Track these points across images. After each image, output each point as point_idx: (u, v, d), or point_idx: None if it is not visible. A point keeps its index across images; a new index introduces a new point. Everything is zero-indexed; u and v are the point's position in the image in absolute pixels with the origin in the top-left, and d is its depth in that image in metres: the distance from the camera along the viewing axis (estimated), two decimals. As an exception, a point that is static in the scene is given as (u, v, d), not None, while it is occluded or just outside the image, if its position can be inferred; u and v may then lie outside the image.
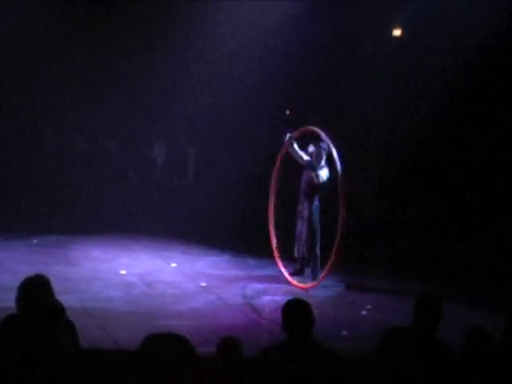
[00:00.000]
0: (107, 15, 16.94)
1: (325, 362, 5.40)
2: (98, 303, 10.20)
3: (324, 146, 11.91)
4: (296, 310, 5.58)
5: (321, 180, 11.90)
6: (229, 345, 5.88)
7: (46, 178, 16.29)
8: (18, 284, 5.95)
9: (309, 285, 11.83)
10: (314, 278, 12.01)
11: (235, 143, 17.34)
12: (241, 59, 16.51)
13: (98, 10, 16.88)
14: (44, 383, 5.41)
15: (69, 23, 16.77)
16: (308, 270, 12.30)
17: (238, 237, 14.74)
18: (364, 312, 10.74)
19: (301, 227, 12.19)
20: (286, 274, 12.15)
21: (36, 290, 5.98)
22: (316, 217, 12.13)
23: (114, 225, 14.82)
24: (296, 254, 12.32)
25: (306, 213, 12.13)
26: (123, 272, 12.04)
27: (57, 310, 5.98)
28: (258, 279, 12.30)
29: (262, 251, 13.64)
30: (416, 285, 11.91)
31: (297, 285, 11.89)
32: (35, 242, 13.74)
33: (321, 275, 11.77)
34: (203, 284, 11.68)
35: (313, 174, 11.95)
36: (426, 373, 5.69)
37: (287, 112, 18.58)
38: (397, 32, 16.80)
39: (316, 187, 12.05)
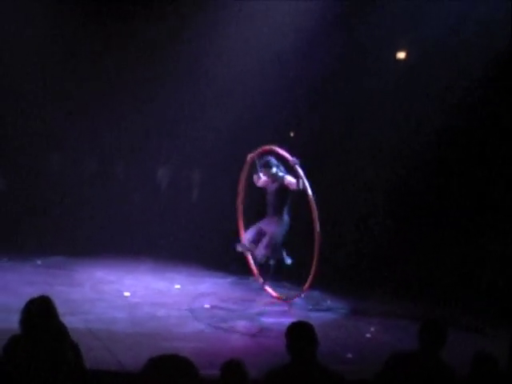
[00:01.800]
0: (113, 39, 16.96)
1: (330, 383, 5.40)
2: (103, 324, 10.19)
3: (268, 159, 12.03)
4: (300, 332, 5.58)
5: (295, 184, 11.72)
6: (232, 367, 5.86)
7: (51, 200, 16.30)
8: (22, 305, 5.97)
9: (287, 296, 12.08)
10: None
11: (240, 165, 17.34)
12: (247, 81, 16.50)
13: (104, 32, 16.88)
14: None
15: (79, 44, 16.74)
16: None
17: (241, 259, 14.73)
18: (368, 335, 10.72)
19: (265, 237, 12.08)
20: (268, 289, 12.31)
21: (40, 311, 5.99)
22: (282, 230, 12.04)
23: (118, 246, 14.80)
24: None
25: (273, 226, 12.02)
26: (127, 294, 12.03)
27: (61, 332, 5.99)
28: (262, 301, 12.29)
29: (265, 272, 13.66)
30: (420, 309, 11.90)
31: (277, 296, 12.04)
32: (39, 263, 13.74)
33: (304, 288, 11.86)
34: (207, 306, 11.67)
35: (285, 182, 11.84)
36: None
37: (291, 134, 18.60)
38: (401, 55, 16.82)
39: (285, 197, 11.99)
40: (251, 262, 12.76)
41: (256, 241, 12.10)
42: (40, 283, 11.64)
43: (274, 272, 12.35)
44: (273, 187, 12.10)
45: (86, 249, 14.68)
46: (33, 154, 16.86)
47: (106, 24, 16.72)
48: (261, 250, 11.97)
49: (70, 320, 6.32)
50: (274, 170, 12.01)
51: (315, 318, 10.83)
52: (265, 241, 11.96)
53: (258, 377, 5.66)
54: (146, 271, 13.81)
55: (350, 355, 9.43)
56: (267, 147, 12.24)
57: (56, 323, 6.03)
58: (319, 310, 11.88)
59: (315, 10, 15.64)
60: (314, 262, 11.58)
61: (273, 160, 12.07)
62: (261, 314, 11.47)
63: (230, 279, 13.80)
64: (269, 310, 11.72)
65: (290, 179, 11.82)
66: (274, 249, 11.97)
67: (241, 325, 10.77)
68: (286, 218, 12.08)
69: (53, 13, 15.98)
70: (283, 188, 11.95)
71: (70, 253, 14.53)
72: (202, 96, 17.14)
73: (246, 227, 12.63)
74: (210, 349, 8.92)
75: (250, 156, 12.47)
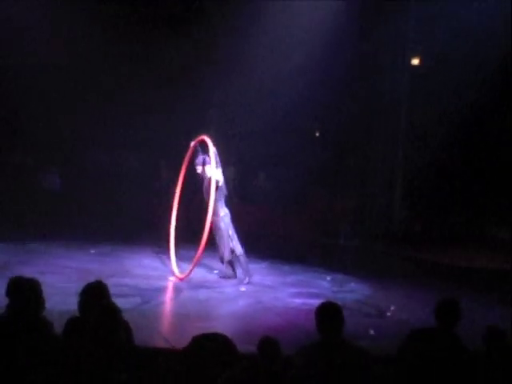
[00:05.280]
0: (144, 45, 16.85)
1: (355, 359, 5.37)
2: (150, 306, 10.21)
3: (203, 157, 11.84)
4: (328, 312, 5.56)
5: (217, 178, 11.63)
6: (267, 344, 5.85)
7: (103, 193, 16.41)
8: (78, 289, 6.01)
9: (183, 275, 11.78)
10: (247, 277, 11.94)
11: (270, 163, 17.32)
12: (276, 85, 16.41)
13: (132, 38, 16.75)
14: (103, 378, 5.42)
15: (111, 51, 16.66)
16: (239, 271, 12.21)
17: (275, 246, 14.74)
18: (389, 313, 10.66)
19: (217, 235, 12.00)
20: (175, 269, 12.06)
21: (95, 294, 6.03)
22: (227, 223, 11.91)
23: (163, 236, 14.82)
24: (221, 261, 12.24)
25: (217, 220, 11.86)
26: (172, 278, 12.05)
27: (114, 312, 6.01)
28: (293, 284, 12.27)
29: (295, 259, 13.65)
30: (436, 289, 11.83)
31: (178, 276, 11.86)
32: (93, 251, 13.80)
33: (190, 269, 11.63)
34: (243, 289, 11.66)
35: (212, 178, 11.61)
36: (448, 369, 5.65)
37: (317, 134, 18.55)
38: (415, 61, 16.67)
39: (220, 191, 11.80)
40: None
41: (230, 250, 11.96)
42: (94, 270, 11.68)
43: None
44: (208, 183, 11.87)
45: (135, 238, 14.73)
46: (85, 154, 16.99)
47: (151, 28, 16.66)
48: (225, 252, 11.92)
49: (121, 302, 6.32)
50: (207, 168, 11.81)
51: (340, 298, 10.75)
52: (222, 243, 11.90)
53: (291, 353, 5.64)
54: (188, 258, 13.80)
55: (372, 332, 9.38)
56: (202, 137, 11.92)
57: (109, 305, 6.06)
58: (344, 292, 11.82)
59: (334, 22, 15.56)
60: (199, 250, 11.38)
61: (207, 159, 11.83)
62: (292, 295, 11.44)
63: (263, 264, 13.77)
64: (299, 291, 11.66)
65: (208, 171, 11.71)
66: (232, 242, 11.89)
67: (274, 305, 10.75)
68: (225, 210, 11.93)
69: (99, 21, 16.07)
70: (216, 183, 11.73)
71: (121, 242, 14.60)
72: (236, 97, 17.08)
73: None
74: (246, 327, 8.89)
75: (192, 144, 12.14)
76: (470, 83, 15.16)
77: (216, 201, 11.74)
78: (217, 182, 11.69)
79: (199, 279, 12.16)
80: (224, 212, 11.96)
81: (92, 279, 6.24)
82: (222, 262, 12.22)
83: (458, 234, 16.06)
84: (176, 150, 17.21)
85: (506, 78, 15.12)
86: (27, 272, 8.07)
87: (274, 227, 16.22)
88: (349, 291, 11.91)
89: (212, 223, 11.76)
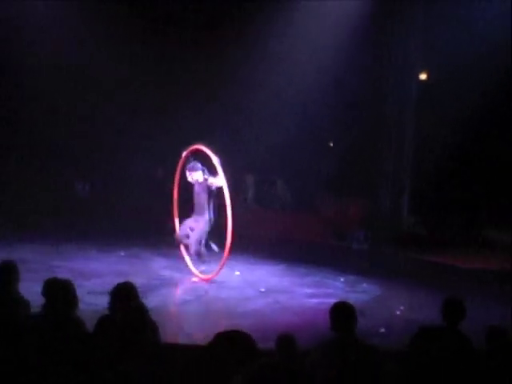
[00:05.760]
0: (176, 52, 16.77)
1: (367, 355, 5.35)
2: (176, 305, 10.24)
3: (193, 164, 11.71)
4: (342, 311, 5.54)
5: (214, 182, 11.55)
6: (285, 341, 5.83)
7: (132, 202, 16.47)
8: (109, 290, 6.02)
9: (209, 276, 11.81)
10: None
11: (287, 171, 17.30)
12: (294, 101, 16.34)
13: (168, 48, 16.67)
14: (130, 373, 5.42)
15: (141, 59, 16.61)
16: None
17: (291, 249, 14.71)
18: (398, 312, 10.61)
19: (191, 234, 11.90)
20: (193, 270, 12.09)
21: (124, 294, 6.03)
22: (206, 227, 11.79)
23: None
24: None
25: (200, 224, 11.79)
26: (195, 279, 12.05)
27: (141, 311, 6.01)
28: (308, 285, 12.22)
29: (310, 261, 13.62)
30: (442, 289, 11.76)
31: (202, 278, 11.87)
32: (123, 254, 13.82)
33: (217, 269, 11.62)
34: (262, 289, 11.64)
35: (208, 182, 11.57)
36: (455, 364, 5.62)
37: (331, 144, 18.52)
38: (423, 76, 16.62)
39: (209, 197, 11.72)
40: (183, 250, 12.32)
41: (187, 235, 11.90)
42: (124, 271, 11.69)
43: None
44: (199, 188, 11.79)
45: (160, 243, 14.70)
46: (112, 165, 17.04)
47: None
48: (192, 246, 11.80)
49: (148, 301, 6.34)
50: (199, 173, 11.70)
51: (353, 298, 10.67)
52: (193, 237, 11.79)
53: (307, 349, 5.62)
54: (210, 260, 13.76)
55: (382, 330, 9.33)
56: (196, 146, 11.82)
57: (137, 304, 6.06)
58: (356, 292, 11.78)
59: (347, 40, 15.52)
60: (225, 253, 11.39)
61: (198, 165, 11.74)
62: (308, 295, 11.40)
63: (280, 266, 13.73)
64: (314, 292, 11.60)
65: (212, 180, 11.60)
66: (201, 243, 11.82)
67: (291, 305, 10.73)
68: (210, 216, 11.81)
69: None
70: (207, 189, 11.68)
71: (149, 245, 14.61)
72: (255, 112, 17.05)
73: (180, 218, 12.33)
74: (265, 325, 8.86)
75: (183, 154, 12.03)
76: (472, 96, 15.12)
77: (208, 204, 11.72)
78: (210, 187, 11.64)
79: (221, 280, 12.15)
80: (209, 217, 11.85)
81: (121, 280, 6.25)
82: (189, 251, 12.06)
83: (461, 237, 15.98)
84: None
85: (506, 89, 15.07)
86: (61, 273, 8.10)
87: (290, 231, 16.17)
88: (361, 291, 11.86)
89: (194, 220, 11.82)
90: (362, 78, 15.89)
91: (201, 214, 11.83)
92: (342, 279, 12.67)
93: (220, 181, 11.48)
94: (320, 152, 17.28)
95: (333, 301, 5.86)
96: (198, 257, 11.94)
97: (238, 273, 12.85)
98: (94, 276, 11.21)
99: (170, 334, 7.61)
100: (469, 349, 5.86)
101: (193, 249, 11.86)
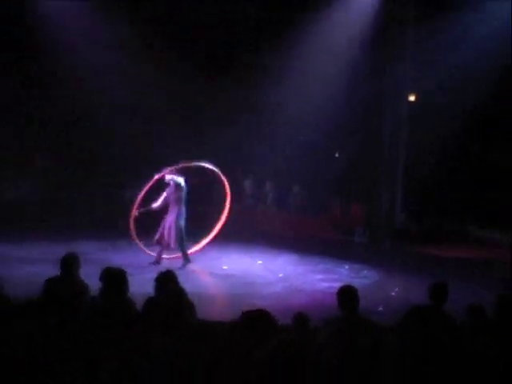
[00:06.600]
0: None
1: (369, 329, 5.36)
2: (208, 289, 10.28)
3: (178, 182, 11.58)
4: (347, 293, 5.55)
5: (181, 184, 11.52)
6: (300, 319, 5.85)
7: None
8: (154, 276, 6.07)
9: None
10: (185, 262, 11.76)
11: (301, 178, 17.21)
12: (307, 115, 16.08)
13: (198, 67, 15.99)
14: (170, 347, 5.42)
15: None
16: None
17: (303, 243, 14.70)
18: (393, 293, 10.58)
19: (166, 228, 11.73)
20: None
21: (166, 280, 6.08)
22: (181, 222, 11.65)
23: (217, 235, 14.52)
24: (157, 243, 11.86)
25: (172, 217, 11.63)
26: (225, 267, 12.07)
27: (180, 294, 6.05)
28: (319, 271, 12.19)
29: (320, 252, 13.61)
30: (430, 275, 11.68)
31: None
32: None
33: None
34: (280, 275, 11.64)
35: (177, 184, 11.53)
36: (438, 338, 5.61)
37: (336, 154, 18.40)
38: (411, 97, 16.45)
39: (180, 194, 11.61)
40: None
41: (162, 235, 11.70)
42: (163, 262, 11.73)
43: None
44: (172, 190, 11.69)
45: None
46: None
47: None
48: (172, 243, 11.67)
49: (186, 286, 6.38)
50: (181, 179, 11.64)
51: (356, 282, 10.57)
52: (172, 234, 11.62)
53: (318, 325, 5.63)
54: (236, 252, 13.76)
55: (380, 308, 9.32)
56: (168, 171, 11.62)
57: (176, 289, 6.10)
58: (359, 278, 11.74)
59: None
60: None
61: (179, 180, 11.59)
62: (319, 280, 11.38)
63: (295, 257, 13.68)
64: (325, 277, 11.58)
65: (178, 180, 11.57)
66: (181, 236, 11.69)
67: (305, 288, 10.73)
68: (183, 209, 11.70)
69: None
70: (179, 189, 11.62)
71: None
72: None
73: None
74: (283, 306, 8.86)
75: (156, 176, 11.67)
76: (456, 112, 15.06)
77: (179, 200, 11.60)
78: (179, 185, 11.55)
79: (246, 268, 12.17)
80: (180, 211, 11.68)
81: (163, 269, 6.30)
82: (159, 243, 11.83)
83: (446, 232, 15.88)
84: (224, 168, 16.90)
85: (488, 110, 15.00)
86: (116, 262, 8.11)
87: (304, 228, 16.17)
88: (363, 277, 11.83)
89: (169, 220, 11.67)
90: (363, 101, 15.81)
91: (173, 210, 11.68)
92: (346, 267, 12.65)
93: (180, 179, 11.49)
94: (328, 162, 17.21)
95: (339, 285, 5.87)
96: (184, 258, 11.80)
97: (260, 262, 12.85)
98: (142, 266, 11.26)
99: (204, 312, 7.62)
100: (452, 324, 5.85)
101: (173, 244, 11.70)
